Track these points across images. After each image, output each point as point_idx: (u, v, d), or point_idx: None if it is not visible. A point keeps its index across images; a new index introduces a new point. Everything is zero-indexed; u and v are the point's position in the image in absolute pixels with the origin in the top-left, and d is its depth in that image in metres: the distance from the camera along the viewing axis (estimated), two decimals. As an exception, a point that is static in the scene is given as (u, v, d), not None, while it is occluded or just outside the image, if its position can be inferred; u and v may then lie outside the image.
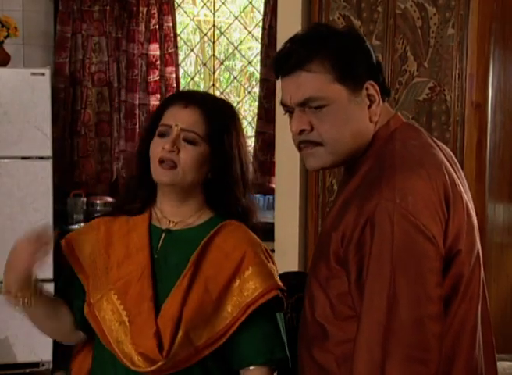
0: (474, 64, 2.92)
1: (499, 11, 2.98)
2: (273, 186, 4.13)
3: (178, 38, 4.84)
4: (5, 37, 4.30)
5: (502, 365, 2.08)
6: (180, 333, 1.66)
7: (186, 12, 5.02)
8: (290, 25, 3.21)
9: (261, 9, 4.51)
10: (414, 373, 1.43)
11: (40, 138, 4.17)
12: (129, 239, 1.79)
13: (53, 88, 4.40)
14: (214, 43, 4.92)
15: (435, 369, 1.44)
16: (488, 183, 2.95)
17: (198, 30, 5.13)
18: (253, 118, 4.75)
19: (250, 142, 4.67)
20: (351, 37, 1.63)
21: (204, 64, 4.99)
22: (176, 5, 4.82)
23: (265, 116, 4.38)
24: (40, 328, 1.82)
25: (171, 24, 4.75)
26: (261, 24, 4.52)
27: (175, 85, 4.79)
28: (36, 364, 4.18)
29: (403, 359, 1.43)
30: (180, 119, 1.73)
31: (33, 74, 4.16)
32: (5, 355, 4.11)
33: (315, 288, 1.60)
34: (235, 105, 4.85)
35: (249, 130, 4.84)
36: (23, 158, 4.18)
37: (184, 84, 4.99)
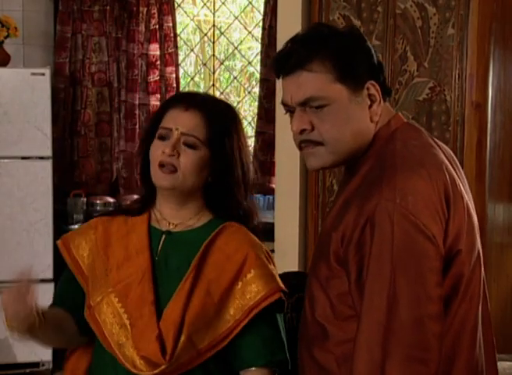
0: (474, 64, 2.92)
1: (499, 11, 2.98)
2: (273, 186, 4.13)
3: (178, 38, 4.84)
4: (5, 37, 4.30)
5: (502, 365, 2.08)
6: (183, 337, 1.65)
7: (186, 12, 5.02)
8: (290, 25, 3.21)
9: (261, 9, 4.51)
10: (414, 373, 1.43)
11: (40, 138, 4.17)
12: (128, 240, 1.77)
13: (53, 88, 4.40)
14: (214, 43, 4.92)
15: (435, 369, 1.44)
16: (488, 183, 2.95)
17: (198, 30, 5.13)
18: (253, 118, 4.75)
19: (250, 142, 4.67)
20: (352, 36, 1.63)
21: (204, 64, 4.99)
22: (176, 5, 4.82)
23: (265, 116, 4.38)
24: (48, 345, 1.81)
25: (171, 24, 4.75)
26: (261, 24, 4.52)
27: (175, 85, 4.79)
28: (36, 364, 4.18)
29: (403, 359, 1.43)
30: (181, 122, 1.72)
31: (33, 74, 4.16)
32: (5, 355, 4.11)
33: (315, 288, 1.60)
34: (235, 105, 4.87)
35: (249, 130, 4.84)
36: (23, 158, 4.19)
37: (184, 84, 4.99)
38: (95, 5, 4.74)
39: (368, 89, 1.58)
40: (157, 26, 4.72)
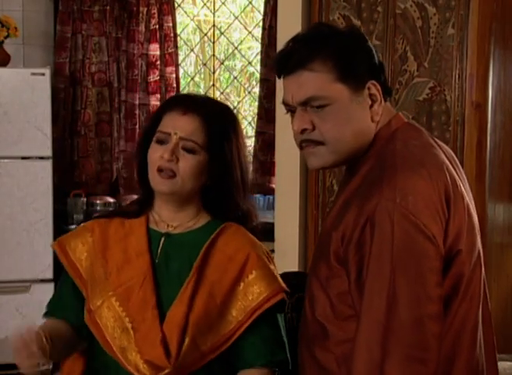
0: (474, 64, 2.91)
1: (499, 11, 2.97)
2: (273, 186, 4.13)
3: (178, 38, 4.84)
4: (5, 37, 4.30)
5: (502, 365, 2.08)
6: (187, 340, 1.64)
7: (186, 12, 5.02)
8: (290, 25, 3.21)
9: (261, 9, 4.51)
10: (413, 373, 1.43)
11: (40, 138, 4.17)
12: (127, 243, 1.76)
13: (53, 88, 4.40)
14: (214, 43, 4.91)
15: (434, 369, 1.44)
16: (489, 183, 2.95)
17: (198, 30, 5.13)
18: (253, 118, 4.75)
19: (250, 142, 4.66)
20: (353, 36, 1.63)
21: (204, 64, 4.99)
22: (176, 5, 4.82)
23: (265, 115, 4.38)
24: (57, 360, 1.79)
25: (171, 24, 4.75)
26: (261, 24, 4.51)
27: (175, 85, 4.79)
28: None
29: (402, 359, 1.43)
30: (179, 127, 1.71)
31: (33, 74, 4.16)
32: (5, 355, 4.10)
33: (316, 288, 1.60)
34: (235, 105, 4.87)
35: (249, 130, 4.84)
36: (23, 158, 4.18)
37: (184, 84, 4.99)
38: (95, 5, 4.74)
39: (369, 89, 1.58)
40: (157, 26, 4.72)
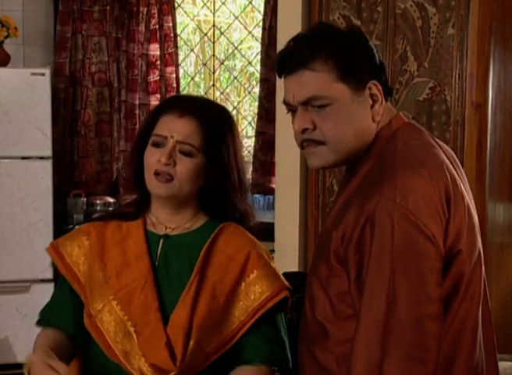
0: (474, 64, 2.91)
1: (499, 11, 2.97)
2: (273, 186, 4.12)
3: (178, 38, 4.83)
4: (5, 37, 4.30)
5: (503, 365, 2.08)
6: (192, 342, 1.64)
7: (186, 12, 5.02)
8: (290, 25, 3.21)
9: (261, 9, 4.50)
10: (413, 373, 1.43)
11: (40, 138, 4.17)
12: (125, 246, 1.75)
13: (53, 88, 4.40)
14: (214, 43, 4.91)
15: (434, 369, 1.44)
16: (489, 183, 2.95)
17: (198, 30, 5.12)
18: (253, 118, 4.74)
19: (250, 142, 4.66)
20: (354, 36, 1.63)
21: (204, 64, 4.98)
22: (176, 5, 4.82)
23: (265, 115, 4.37)
24: None
25: (171, 24, 4.74)
26: (261, 24, 4.51)
27: (175, 85, 4.78)
28: (36, 364, 4.17)
29: (401, 358, 1.42)
30: (176, 130, 1.70)
31: (33, 74, 4.16)
32: (5, 355, 4.11)
33: (316, 287, 1.60)
34: (235, 105, 4.87)
35: (249, 130, 4.83)
36: (23, 158, 4.18)
37: (184, 84, 4.99)
38: (95, 5, 4.74)
39: (369, 89, 1.58)
40: (157, 26, 4.72)
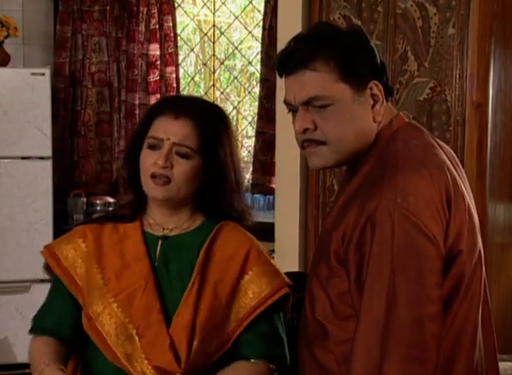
0: (474, 64, 2.91)
1: (500, 11, 2.97)
2: (273, 186, 4.12)
3: (178, 38, 4.83)
4: (5, 37, 4.29)
5: (503, 365, 2.07)
6: (196, 343, 1.64)
7: (186, 12, 5.01)
8: (290, 25, 3.21)
9: (262, 9, 4.50)
10: (412, 373, 1.43)
11: (40, 138, 4.17)
12: (123, 248, 1.74)
13: (53, 88, 4.40)
14: (214, 43, 4.91)
15: (433, 370, 1.43)
16: (489, 183, 2.95)
17: (198, 30, 5.12)
18: (253, 118, 4.74)
19: (251, 142, 4.66)
20: (355, 36, 1.62)
21: (204, 64, 4.98)
22: (176, 5, 4.81)
23: (266, 115, 4.37)
24: None
25: (171, 24, 4.74)
26: (261, 24, 4.51)
27: (175, 85, 4.78)
28: (36, 364, 4.17)
29: (401, 359, 1.42)
30: (172, 132, 1.69)
31: (33, 74, 4.16)
32: (5, 355, 4.11)
33: (316, 287, 1.60)
34: (235, 104, 4.87)
35: (249, 130, 4.83)
36: (23, 158, 4.18)
37: (184, 84, 4.99)
38: (95, 5, 4.73)
39: (371, 89, 1.57)
40: (157, 26, 4.72)
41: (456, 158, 1.68)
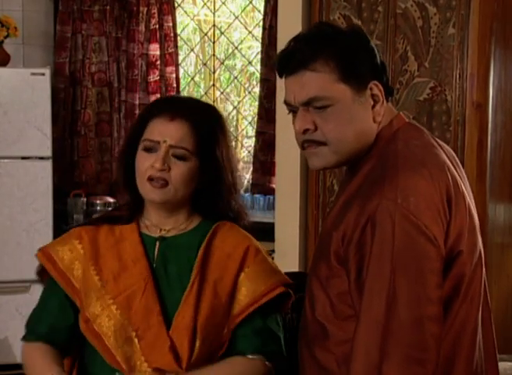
0: (474, 64, 2.91)
1: (500, 11, 2.97)
2: (273, 186, 4.12)
3: (178, 38, 4.83)
4: (5, 37, 4.30)
5: (503, 366, 2.08)
6: (198, 343, 1.63)
7: (186, 12, 5.01)
8: (291, 25, 3.21)
9: (262, 9, 4.50)
10: (412, 373, 1.42)
11: (40, 138, 4.17)
12: (120, 250, 1.73)
13: (53, 88, 4.40)
14: (214, 43, 4.91)
15: (433, 370, 1.43)
16: (489, 183, 2.95)
17: (198, 30, 5.12)
18: (253, 118, 4.74)
19: (251, 142, 4.66)
20: (356, 36, 1.62)
21: (205, 64, 4.98)
22: (176, 5, 4.82)
23: (266, 115, 4.37)
24: None
25: (171, 24, 4.74)
26: (261, 24, 4.51)
27: (175, 85, 4.78)
28: (36, 364, 4.17)
29: (401, 359, 1.42)
30: (168, 134, 1.67)
31: (33, 74, 4.16)
32: (5, 355, 4.11)
33: (316, 287, 1.60)
34: (235, 104, 4.87)
35: (249, 130, 4.83)
36: (23, 158, 4.18)
37: (184, 84, 4.99)
38: (95, 5, 4.74)
39: (371, 89, 1.57)
40: (157, 26, 4.72)
41: (457, 159, 1.68)
